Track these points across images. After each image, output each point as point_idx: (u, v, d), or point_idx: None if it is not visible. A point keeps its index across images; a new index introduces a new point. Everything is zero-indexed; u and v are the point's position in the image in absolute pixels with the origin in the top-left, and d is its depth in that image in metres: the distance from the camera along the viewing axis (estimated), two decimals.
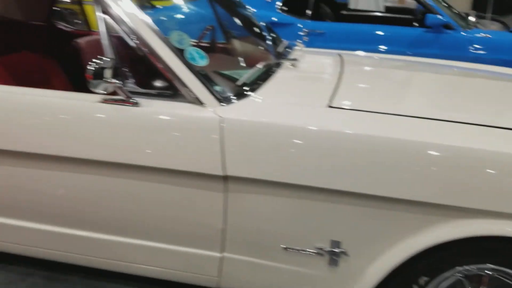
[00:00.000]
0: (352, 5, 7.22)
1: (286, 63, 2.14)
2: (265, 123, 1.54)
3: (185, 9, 3.02)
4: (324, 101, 1.68)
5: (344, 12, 4.99)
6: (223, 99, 1.63)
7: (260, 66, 1.93)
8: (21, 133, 1.67)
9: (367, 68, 2.43)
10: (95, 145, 1.62)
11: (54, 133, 1.64)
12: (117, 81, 1.56)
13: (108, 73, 1.54)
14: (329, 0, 4.79)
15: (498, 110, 1.80)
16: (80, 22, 4.48)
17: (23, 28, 3.04)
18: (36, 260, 1.99)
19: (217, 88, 1.67)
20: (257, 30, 2.71)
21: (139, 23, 1.65)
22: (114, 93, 1.60)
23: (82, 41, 2.31)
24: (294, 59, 2.17)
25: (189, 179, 1.60)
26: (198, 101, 1.61)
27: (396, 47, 3.76)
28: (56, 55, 2.69)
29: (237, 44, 2.55)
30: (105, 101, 1.62)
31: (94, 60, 1.53)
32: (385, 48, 3.80)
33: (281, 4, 4.08)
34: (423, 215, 1.47)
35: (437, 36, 3.80)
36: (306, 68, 2.17)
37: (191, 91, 1.61)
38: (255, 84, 1.80)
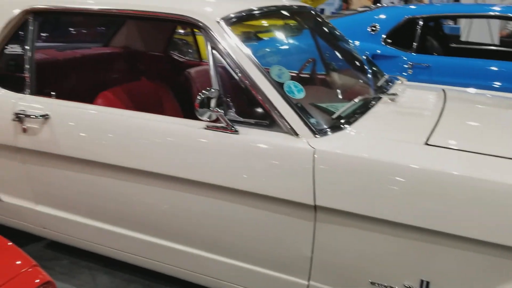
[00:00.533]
0: (463, 38, 6.92)
1: (385, 98, 2.14)
2: (357, 156, 1.56)
3: (289, 41, 3.15)
4: (421, 138, 1.66)
5: (454, 45, 4.81)
6: (318, 131, 1.69)
7: (357, 99, 1.96)
8: (135, 152, 1.87)
9: (471, 105, 2.34)
10: (196, 167, 1.77)
11: (162, 154, 1.82)
12: (220, 110, 1.70)
13: (213, 102, 1.69)
14: (438, 33, 4.66)
15: None
16: (191, 51, 4.87)
17: (145, 58, 3.40)
18: (138, 268, 2.18)
19: (312, 120, 1.73)
20: (357, 63, 2.74)
21: (243, 57, 1.78)
22: (217, 120, 1.74)
23: (192, 71, 2.53)
24: (394, 94, 2.16)
25: (280, 206, 1.67)
26: (293, 132, 1.68)
27: (508, 84, 3.54)
28: (170, 83, 2.96)
29: (336, 76, 2.61)
30: (208, 127, 1.77)
31: (202, 90, 1.69)
32: (499, 84, 3.58)
33: (385, 36, 4.06)
34: None
35: None
36: (405, 103, 2.15)
37: (287, 122, 1.69)
38: (351, 117, 1.83)
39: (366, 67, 2.72)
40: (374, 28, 4.10)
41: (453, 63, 3.83)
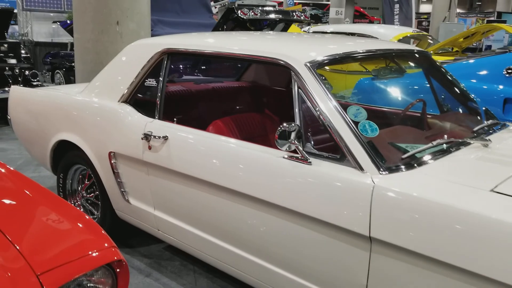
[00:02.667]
0: None
1: (477, 143, 2.12)
2: (413, 196, 1.64)
3: (392, 82, 3.24)
4: (489, 185, 1.66)
5: None
6: (384, 168, 1.80)
7: (436, 142, 2.00)
8: (229, 174, 2.19)
9: None
10: (272, 191, 2.01)
11: (247, 177, 2.10)
12: (297, 143, 1.92)
13: (292, 135, 1.92)
14: None
15: None
16: None
17: (269, 92, 3.78)
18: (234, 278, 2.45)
19: (381, 157, 1.84)
20: (463, 106, 2.72)
21: (324, 99, 1.98)
22: (295, 151, 1.97)
23: None
24: (488, 140, 2.13)
25: (341, 233, 1.82)
26: (359, 167, 1.82)
27: None
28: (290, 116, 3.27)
29: (434, 118, 2.62)
30: (287, 157, 2.00)
31: (283, 124, 1.94)
32: None
33: None
34: None
35: None
36: (498, 150, 2.10)
37: (354, 158, 1.84)
38: (425, 158, 1.89)
39: (472, 111, 2.67)
40: (510, 71, 3.88)
41: None
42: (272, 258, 2.11)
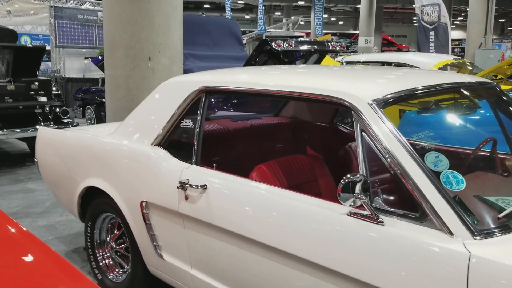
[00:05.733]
0: None
1: None
2: None
3: (462, 118, 2.88)
4: None
5: None
6: (478, 232, 1.45)
7: None
8: (276, 231, 1.86)
9: None
10: (334, 255, 1.67)
11: (301, 236, 1.77)
12: (365, 197, 1.59)
13: (357, 188, 1.59)
14: None
15: None
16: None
17: (310, 128, 3.47)
18: None
19: (473, 217, 1.49)
20: None
21: (394, 143, 1.66)
22: (361, 207, 1.63)
23: (353, 144, 2.46)
24: None
25: None
26: (447, 230, 1.47)
27: None
28: (333, 153, 2.93)
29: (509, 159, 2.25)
30: (351, 214, 1.67)
31: (347, 175, 1.61)
32: None
33: None
34: None
35: None
36: None
37: (440, 218, 1.49)
38: None
39: None
40: None
41: None
42: None
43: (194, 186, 2.16)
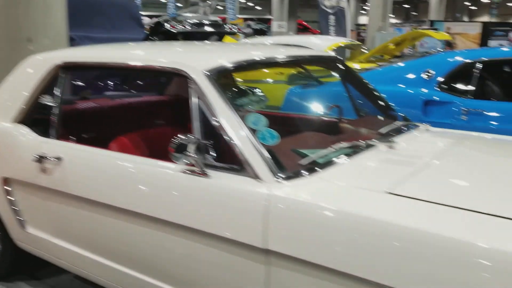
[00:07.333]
0: None
1: (382, 145, 2.06)
2: (307, 203, 1.54)
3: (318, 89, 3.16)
4: (386, 187, 1.58)
5: None
6: (283, 177, 1.69)
7: (343, 145, 1.94)
8: (123, 193, 2.01)
9: (478, 153, 2.16)
10: (170, 208, 1.86)
11: (145, 195, 1.94)
12: (194, 155, 1.78)
13: (189, 148, 1.78)
14: (503, 78, 4.31)
15: None
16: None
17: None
18: None
19: (279, 165, 1.73)
20: (375, 111, 2.69)
21: (222, 107, 1.86)
22: (194, 165, 1.82)
23: None
24: (392, 141, 2.08)
25: (238, 248, 1.69)
26: (256, 176, 1.70)
27: None
28: None
29: (346, 123, 2.57)
30: (185, 171, 1.85)
31: (179, 136, 1.79)
32: None
33: (440, 82, 3.87)
34: None
35: None
36: (401, 151, 2.05)
37: (252, 167, 1.72)
38: (326, 163, 1.81)
39: (385, 114, 2.65)
40: (428, 74, 3.94)
41: (508, 109, 3.52)
42: (173, 278, 1.96)
43: (50, 159, 2.24)
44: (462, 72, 3.82)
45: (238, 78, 3.41)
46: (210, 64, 1.99)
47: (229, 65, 2.05)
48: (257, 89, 5.02)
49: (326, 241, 1.49)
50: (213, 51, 2.34)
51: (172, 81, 3.77)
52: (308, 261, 1.53)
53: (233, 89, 2.78)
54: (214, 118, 1.85)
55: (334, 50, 7.53)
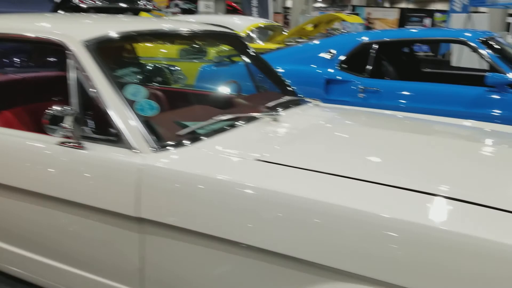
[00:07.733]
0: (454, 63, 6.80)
1: (266, 118, 2.14)
2: (178, 171, 1.59)
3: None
4: (256, 155, 1.66)
5: (426, 70, 4.75)
6: (158, 147, 1.71)
7: (224, 117, 1.99)
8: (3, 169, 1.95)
9: (352, 126, 2.34)
10: (46, 181, 1.83)
11: (18, 168, 1.89)
12: (69, 127, 1.75)
13: (65, 119, 1.75)
14: (399, 57, 4.61)
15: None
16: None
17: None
18: None
19: (155, 136, 1.75)
20: (272, 87, 2.78)
21: (100, 78, 1.83)
22: (69, 137, 1.79)
23: None
24: (276, 114, 2.17)
25: (112, 218, 1.71)
26: (131, 147, 1.72)
27: (454, 107, 3.44)
28: None
29: (240, 98, 2.64)
30: (59, 144, 1.82)
31: (53, 108, 1.75)
32: (443, 108, 3.48)
33: (341, 61, 4.06)
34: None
35: (502, 96, 3.39)
36: (284, 123, 2.14)
37: (127, 138, 1.73)
38: (204, 135, 1.85)
39: (280, 90, 2.74)
40: (331, 54, 4.11)
41: (403, 87, 3.78)
42: (51, 252, 1.95)
43: None
44: (361, 52, 4.03)
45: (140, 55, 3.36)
46: (89, 34, 1.95)
47: (111, 35, 2.02)
48: (176, 67, 4.99)
49: (195, 207, 1.55)
50: (99, 22, 2.29)
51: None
52: (179, 226, 1.58)
53: (120, 61, 2.75)
54: (91, 90, 1.83)
55: (253, 30, 7.60)
